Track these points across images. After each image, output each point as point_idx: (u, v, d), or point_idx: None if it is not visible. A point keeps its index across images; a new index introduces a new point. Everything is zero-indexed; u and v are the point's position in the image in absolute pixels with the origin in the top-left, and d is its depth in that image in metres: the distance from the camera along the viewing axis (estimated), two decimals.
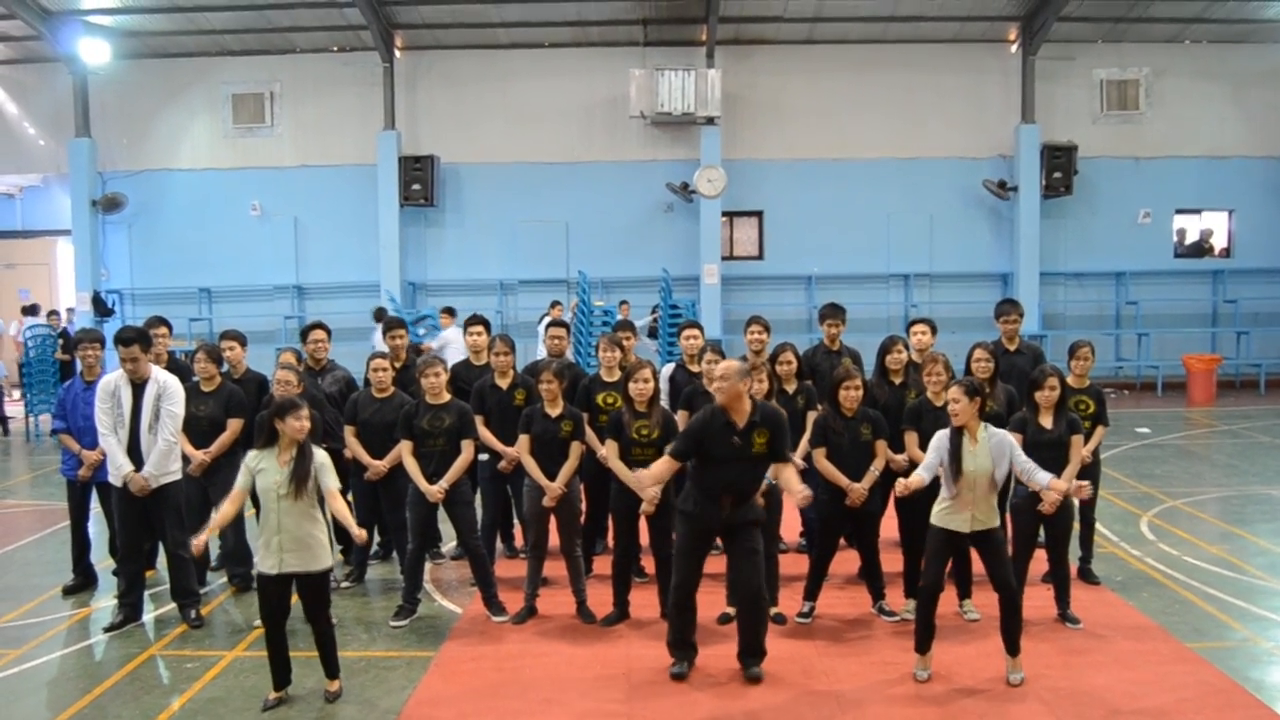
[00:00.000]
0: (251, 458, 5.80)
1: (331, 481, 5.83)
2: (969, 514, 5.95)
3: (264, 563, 5.74)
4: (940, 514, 6.04)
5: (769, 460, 6.08)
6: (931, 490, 6.12)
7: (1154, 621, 6.96)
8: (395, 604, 7.31)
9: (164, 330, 8.57)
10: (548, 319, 15.98)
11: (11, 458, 14.73)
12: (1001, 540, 6.07)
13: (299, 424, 5.67)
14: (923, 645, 6.06)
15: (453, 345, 13.86)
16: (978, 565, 6.35)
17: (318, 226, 20.30)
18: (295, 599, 5.89)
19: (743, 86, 19.81)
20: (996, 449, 6.00)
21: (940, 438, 6.05)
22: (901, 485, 6.10)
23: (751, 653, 6.13)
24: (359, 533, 5.87)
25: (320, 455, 5.84)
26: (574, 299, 17.38)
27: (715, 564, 6.45)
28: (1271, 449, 13.40)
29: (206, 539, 5.91)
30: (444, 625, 7.14)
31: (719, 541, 6.36)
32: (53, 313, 17.42)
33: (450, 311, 15.63)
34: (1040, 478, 6.12)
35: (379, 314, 15.97)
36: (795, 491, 6.06)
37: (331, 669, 5.96)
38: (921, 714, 5.62)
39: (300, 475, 5.67)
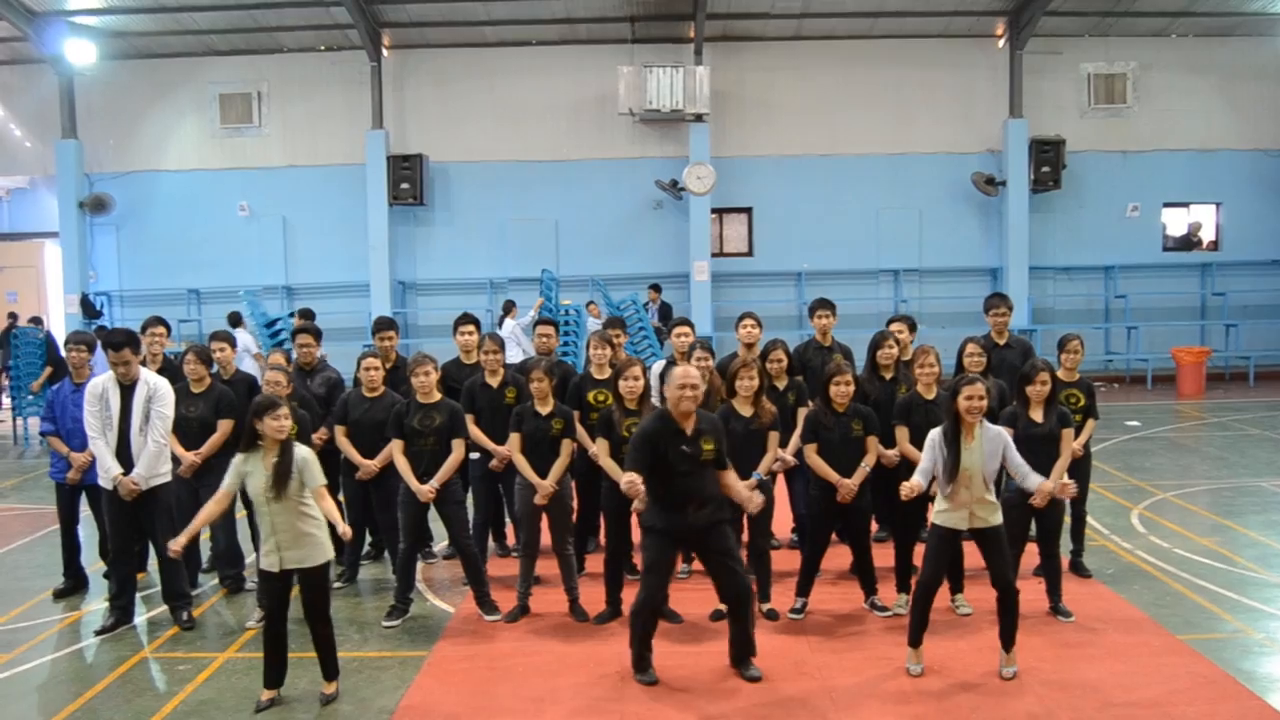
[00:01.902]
0: (239, 460, 5.78)
1: (315, 478, 5.80)
2: (966, 512, 5.94)
3: (265, 560, 5.75)
4: (940, 513, 6.05)
5: (716, 467, 6.04)
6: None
7: (1145, 614, 6.98)
8: (387, 604, 7.29)
9: (162, 330, 8.53)
10: (509, 321, 15.87)
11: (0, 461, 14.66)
12: (1003, 538, 6.04)
13: (276, 424, 5.64)
14: (915, 639, 6.07)
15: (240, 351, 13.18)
16: (970, 560, 6.37)
17: (306, 226, 20.27)
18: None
19: (731, 83, 19.82)
20: (992, 445, 6.00)
21: (934, 437, 6.05)
22: (906, 489, 5.97)
23: (744, 653, 6.11)
24: (344, 529, 5.85)
25: (303, 452, 5.81)
26: (539, 298, 17.16)
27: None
28: (1261, 441, 13.46)
29: (185, 541, 5.88)
30: (436, 625, 7.13)
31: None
32: (35, 319, 17.21)
33: (235, 318, 15.15)
34: (1031, 481, 6.13)
35: (234, 318, 15.83)
36: (746, 499, 6.10)
37: (330, 670, 5.94)
38: (914, 708, 5.63)
39: (281, 474, 5.65)
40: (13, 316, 18.80)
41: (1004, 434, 6.15)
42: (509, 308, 16.66)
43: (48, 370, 15.35)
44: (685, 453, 5.90)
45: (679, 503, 5.93)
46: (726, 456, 6.12)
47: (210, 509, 5.89)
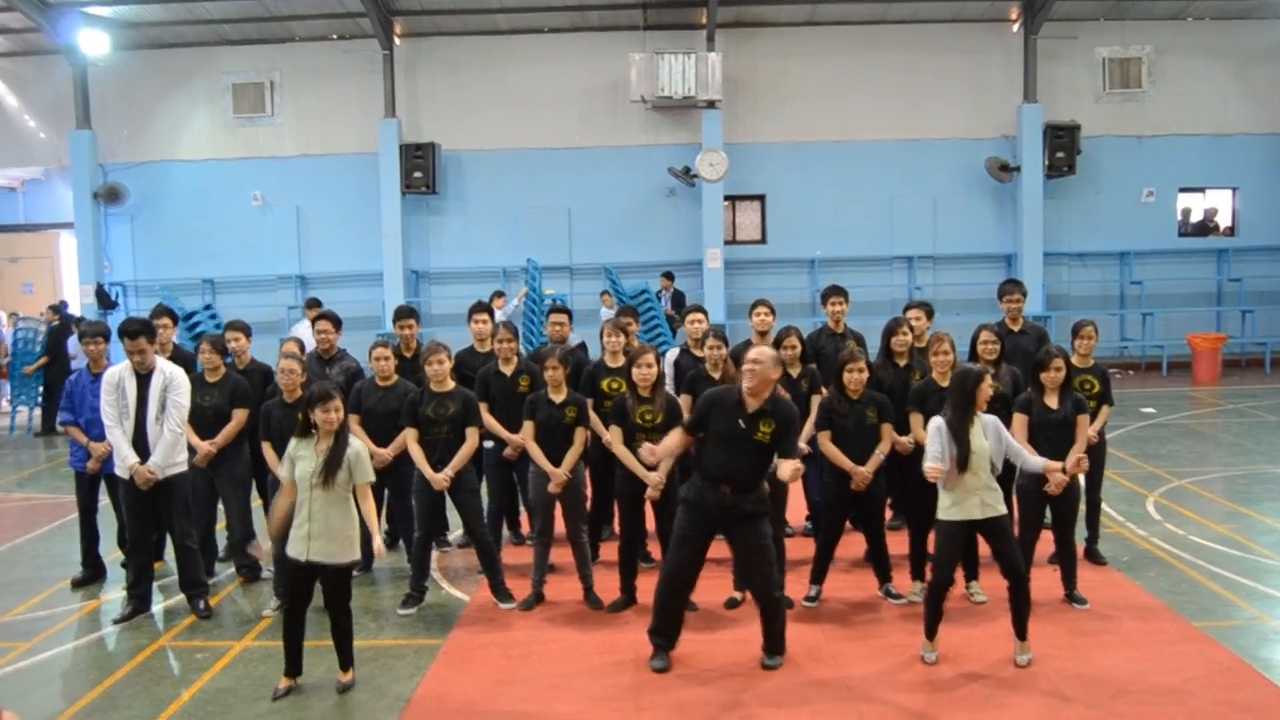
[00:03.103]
0: (292, 446, 5.84)
1: (364, 476, 5.83)
2: (978, 499, 5.93)
3: (292, 548, 5.78)
4: (949, 508, 6.01)
5: (772, 452, 5.97)
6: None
7: (1161, 601, 6.97)
8: (403, 592, 7.33)
9: (167, 320, 8.57)
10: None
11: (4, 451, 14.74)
12: (1009, 526, 6.07)
13: (326, 415, 5.69)
14: (930, 633, 6.07)
15: None
16: (984, 547, 6.35)
17: (320, 216, 20.28)
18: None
19: (744, 69, 19.73)
20: (991, 432, 6.02)
21: (938, 424, 6.02)
22: (932, 470, 5.93)
23: (773, 650, 6.11)
24: (379, 545, 5.88)
25: (356, 446, 5.85)
26: (523, 288, 17.06)
27: (720, 548, 6.44)
28: (1277, 428, 13.38)
29: (277, 538, 5.87)
30: (451, 613, 7.16)
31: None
32: (54, 306, 17.07)
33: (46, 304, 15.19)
34: (1031, 463, 6.12)
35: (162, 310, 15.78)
36: (780, 474, 5.96)
37: (346, 659, 5.97)
38: (929, 696, 5.64)
39: (331, 465, 5.68)
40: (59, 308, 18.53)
41: (996, 419, 6.14)
42: (496, 298, 16.52)
43: (43, 360, 15.39)
44: (739, 426, 5.91)
45: (716, 478, 5.95)
46: (795, 449, 6.03)
47: (281, 502, 5.90)
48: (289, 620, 5.89)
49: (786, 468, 5.81)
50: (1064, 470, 6.33)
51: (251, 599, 7.57)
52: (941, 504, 6.05)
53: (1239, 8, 19.57)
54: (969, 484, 5.93)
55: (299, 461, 5.78)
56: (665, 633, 6.15)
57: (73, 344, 15.36)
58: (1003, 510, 6.01)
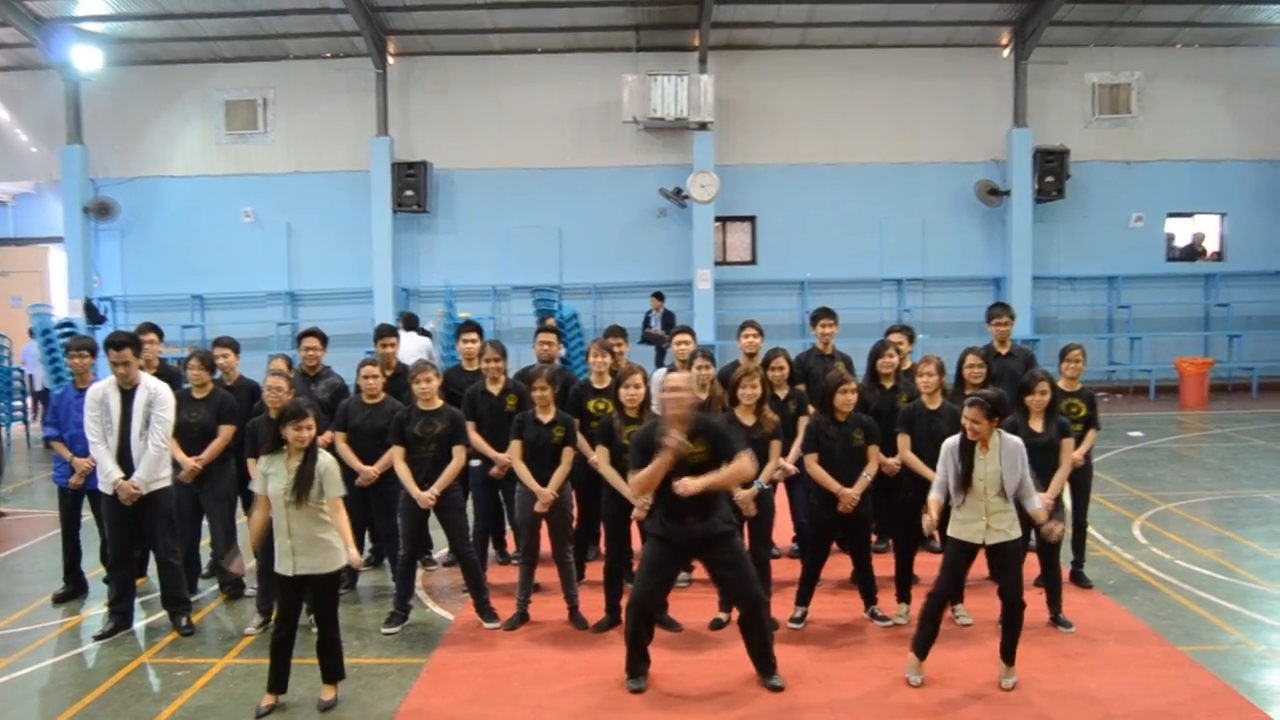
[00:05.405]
0: (263, 463, 5.83)
1: (334, 490, 5.81)
2: (983, 523, 5.87)
3: (280, 564, 5.77)
4: (956, 525, 5.98)
5: (713, 468, 5.85)
6: (921, 496, 6.10)
7: (1146, 625, 6.96)
8: (387, 611, 7.29)
9: (154, 337, 8.55)
10: (403, 334, 15.72)
11: None
12: (1016, 553, 5.94)
13: (297, 433, 5.67)
14: (922, 650, 6.03)
15: None
16: (972, 571, 6.33)
17: (311, 233, 20.28)
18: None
19: (735, 92, 19.84)
20: (1010, 456, 5.87)
21: (950, 446, 5.99)
22: (928, 522, 5.94)
23: (764, 664, 6.07)
24: (355, 556, 5.86)
25: (325, 461, 5.83)
26: (439, 309, 16.90)
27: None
28: (1264, 452, 13.42)
29: (242, 559, 5.85)
30: (436, 632, 7.13)
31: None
32: None
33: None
34: (1031, 502, 6.00)
35: (103, 332, 15.78)
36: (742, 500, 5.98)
37: (331, 673, 5.93)
38: (914, 719, 5.61)
39: (302, 482, 5.67)
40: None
41: (1022, 447, 5.98)
42: (410, 321, 16.22)
43: None
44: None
45: (676, 511, 5.89)
46: (729, 457, 5.91)
47: (257, 517, 5.91)
48: (280, 635, 5.85)
49: (746, 497, 5.85)
50: (1037, 526, 6.20)
51: (234, 616, 7.52)
52: (952, 517, 5.99)
53: (1228, 35, 19.76)
54: (974, 506, 5.88)
55: (270, 478, 5.76)
56: (642, 659, 6.12)
57: (29, 353, 15.41)
58: (1014, 535, 5.90)
